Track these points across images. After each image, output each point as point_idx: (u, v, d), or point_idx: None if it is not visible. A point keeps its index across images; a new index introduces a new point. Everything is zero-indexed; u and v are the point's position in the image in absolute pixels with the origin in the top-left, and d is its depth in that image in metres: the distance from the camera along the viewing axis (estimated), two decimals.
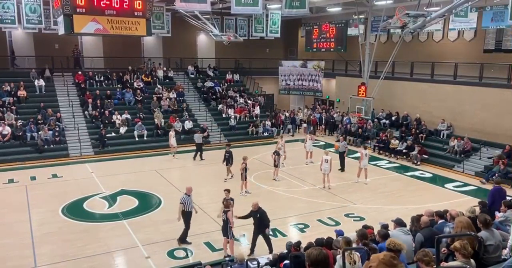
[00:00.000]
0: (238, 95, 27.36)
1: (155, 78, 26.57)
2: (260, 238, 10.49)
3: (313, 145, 20.08)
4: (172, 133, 20.80)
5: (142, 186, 15.74)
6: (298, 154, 19.96)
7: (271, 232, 11.46)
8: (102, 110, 22.75)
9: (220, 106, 25.91)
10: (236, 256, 8.40)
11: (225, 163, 16.63)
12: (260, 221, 10.30)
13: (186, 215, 10.95)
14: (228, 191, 11.00)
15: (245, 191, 14.99)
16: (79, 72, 24.75)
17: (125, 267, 10.34)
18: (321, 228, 11.90)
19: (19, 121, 20.53)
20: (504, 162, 16.52)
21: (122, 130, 21.93)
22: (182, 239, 11.06)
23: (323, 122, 26.37)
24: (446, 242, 5.62)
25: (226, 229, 10.28)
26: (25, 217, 12.77)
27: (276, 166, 16.63)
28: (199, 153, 19.99)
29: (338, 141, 21.13)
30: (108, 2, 10.98)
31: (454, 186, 16.39)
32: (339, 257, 5.56)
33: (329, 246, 7.34)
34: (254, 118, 25.57)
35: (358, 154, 19.78)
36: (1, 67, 24.27)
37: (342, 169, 17.99)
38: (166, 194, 14.79)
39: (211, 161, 19.77)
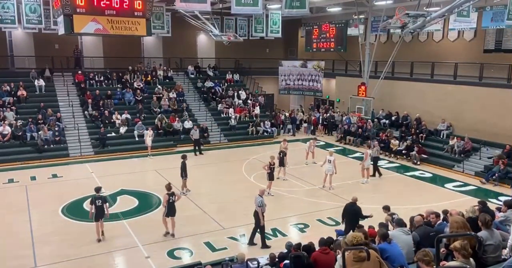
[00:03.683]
0: (237, 95, 27.34)
1: (155, 78, 26.57)
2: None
3: (315, 145, 20.05)
4: (149, 132, 20.34)
5: (142, 186, 15.74)
6: (298, 154, 19.96)
7: (271, 232, 11.49)
8: (102, 110, 22.76)
9: (220, 106, 25.93)
10: (237, 256, 8.41)
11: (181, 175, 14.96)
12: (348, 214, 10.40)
13: (257, 215, 10.93)
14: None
15: (267, 193, 14.64)
16: (79, 72, 24.75)
17: (125, 267, 10.34)
18: (321, 228, 11.89)
19: (19, 121, 20.52)
20: (504, 162, 16.53)
21: (122, 130, 21.93)
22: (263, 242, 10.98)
23: (321, 121, 26.40)
24: (444, 242, 5.61)
25: (173, 210, 11.32)
26: (25, 217, 12.77)
27: (282, 165, 16.58)
28: (197, 148, 20.60)
29: (369, 146, 19.47)
30: (108, 2, 10.96)
31: (454, 186, 16.40)
32: (339, 257, 5.55)
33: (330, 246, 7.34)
34: (254, 118, 25.58)
35: (357, 154, 19.85)
36: (1, 67, 24.27)
37: (374, 174, 17.29)
38: None
39: (211, 161, 19.82)
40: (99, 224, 11.21)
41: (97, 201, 11.06)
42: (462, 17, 18.47)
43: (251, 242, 10.99)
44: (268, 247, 10.70)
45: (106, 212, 11.25)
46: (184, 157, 15.03)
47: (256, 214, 10.89)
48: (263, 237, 10.98)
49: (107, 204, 11.46)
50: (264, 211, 10.93)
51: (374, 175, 17.29)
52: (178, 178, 15.06)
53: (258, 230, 10.96)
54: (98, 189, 11.41)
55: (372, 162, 17.19)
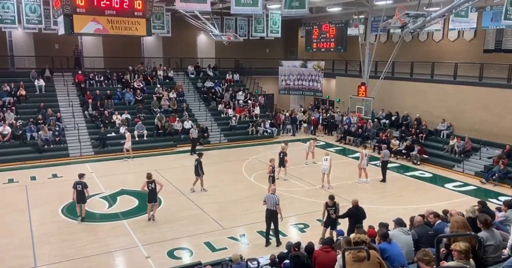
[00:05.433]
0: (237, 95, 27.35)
1: (155, 78, 26.57)
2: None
3: (315, 146, 20.03)
4: (128, 135, 20.13)
5: None
6: (298, 154, 19.96)
7: (271, 232, 11.47)
8: (102, 110, 22.76)
9: (220, 106, 25.93)
10: (231, 257, 8.47)
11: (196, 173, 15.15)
12: (357, 217, 10.34)
13: (276, 214, 10.92)
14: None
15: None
16: (79, 72, 24.75)
17: (125, 267, 10.33)
18: (321, 228, 11.85)
19: (19, 121, 20.52)
20: (504, 162, 16.54)
21: (122, 130, 21.91)
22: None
23: (321, 121, 26.40)
24: (444, 242, 5.61)
25: (154, 196, 12.39)
26: (25, 217, 12.77)
27: (282, 166, 16.52)
28: (193, 147, 20.69)
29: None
30: (108, 2, 10.95)
31: (454, 186, 16.40)
32: (339, 257, 5.56)
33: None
34: (254, 118, 25.58)
35: (357, 154, 19.78)
36: (1, 67, 24.27)
37: (384, 179, 16.73)
38: (166, 194, 14.75)
39: (211, 161, 19.78)
40: (80, 206, 12.41)
41: (78, 186, 12.20)
42: (460, 17, 18.47)
43: (278, 243, 10.95)
44: (270, 244, 10.82)
45: (87, 195, 12.52)
46: (200, 155, 15.48)
47: (275, 214, 10.83)
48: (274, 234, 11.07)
49: (88, 189, 12.56)
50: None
51: (384, 180, 16.78)
52: (178, 177, 15.07)
53: (268, 226, 11.01)
54: (81, 175, 12.52)
55: (381, 166, 16.97)
